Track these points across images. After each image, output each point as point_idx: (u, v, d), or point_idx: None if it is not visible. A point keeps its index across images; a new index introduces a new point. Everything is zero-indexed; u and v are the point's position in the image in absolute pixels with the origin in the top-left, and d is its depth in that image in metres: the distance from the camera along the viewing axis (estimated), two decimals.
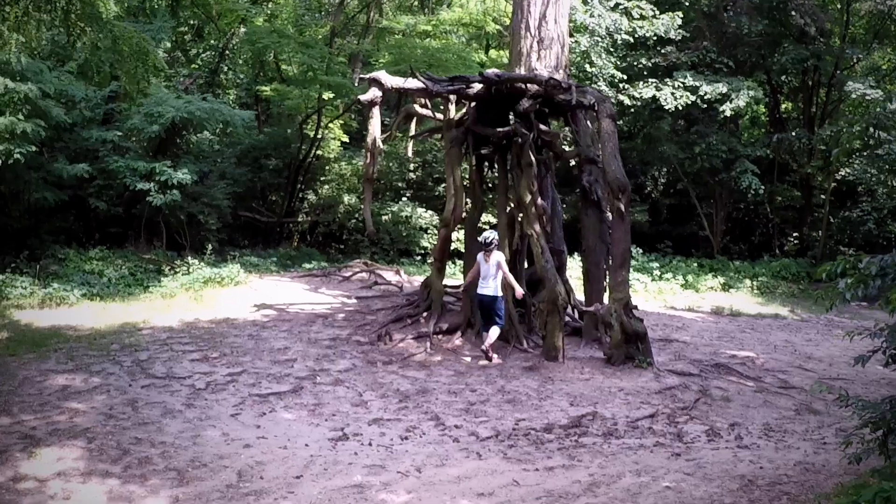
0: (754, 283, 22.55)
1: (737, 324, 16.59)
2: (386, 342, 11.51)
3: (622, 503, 6.31)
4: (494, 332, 11.09)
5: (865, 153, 22.79)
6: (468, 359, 11.16)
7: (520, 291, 11.20)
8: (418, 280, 17.57)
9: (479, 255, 11.26)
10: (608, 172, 10.87)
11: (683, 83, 22.05)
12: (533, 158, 11.32)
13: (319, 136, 22.98)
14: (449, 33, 23.75)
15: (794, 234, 27.80)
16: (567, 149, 14.89)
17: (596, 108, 11.07)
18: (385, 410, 8.81)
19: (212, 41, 24.57)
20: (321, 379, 9.78)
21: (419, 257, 22.56)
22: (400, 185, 23.97)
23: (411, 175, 23.91)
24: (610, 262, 12.28)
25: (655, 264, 23.12)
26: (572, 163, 15.69)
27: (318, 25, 24.01)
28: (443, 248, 12.48)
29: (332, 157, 24.63)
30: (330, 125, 23.44)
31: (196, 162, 18.35)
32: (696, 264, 23.82)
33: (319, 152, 23.93)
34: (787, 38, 24.32)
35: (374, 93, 10.99)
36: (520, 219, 11.89)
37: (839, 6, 25.00)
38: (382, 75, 11.18)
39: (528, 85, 11.42)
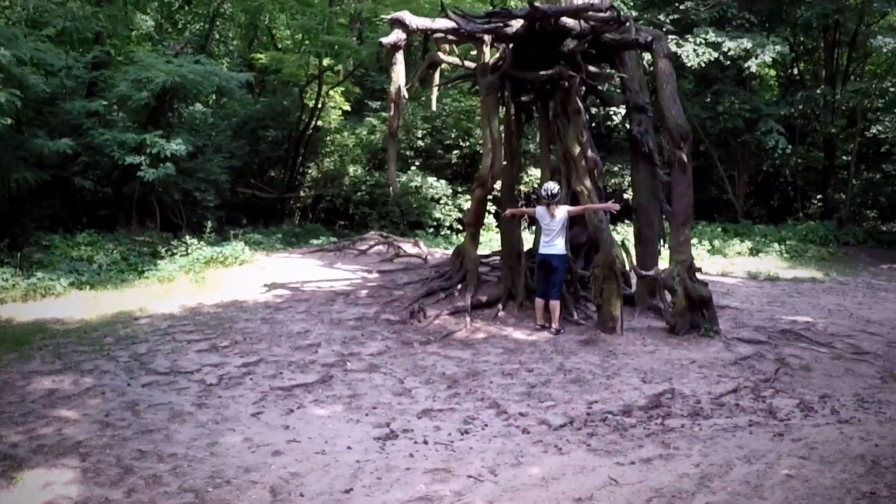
0: (783, 247, 21.55)
1: (780, 288, 15.87)
2: (420, 319, 10.18)
3: (746, 499, 5.14)
4: (557, 306, 9.99)
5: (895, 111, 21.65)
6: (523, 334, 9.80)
7: (612, 206, 10.03)
8: (439, 252, 16.29)
9: (540, 210, 9.99)
10: (668, 119, 9.50)
11: (706, 39, 20.71)
12: (581, 105, 9.90)
13: (320, 106, 21.48)
14: None
15: (819, 197, 26.56)
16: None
17: (653, 46, 9.65)
18: (434, 399, 7.45)
19: (199, 10, 22.91)
20: (352, 365, 8.42)
21: (431, 229, 21.40)
22: (408, 153, 22.68)
23: (420, 143, 22.59)
24: (664, 221, 11.08)
25: None
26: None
27: None
28: (478, 210, 11.12)
29: (334, 128, 23.26)
30: (331, 93, 21.96)
31: (190, 135, 16.85)
32: (720, 229, 22.83)
33: (320, 123, 22.50)
34: None
35: (397, 35, 9.55)
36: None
37: None
38: (406, 15, 9.72)
39: (577, 21, 9.97)
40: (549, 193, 9.83)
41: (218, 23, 22.81)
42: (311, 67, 20.37)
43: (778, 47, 20.87)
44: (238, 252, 13.71)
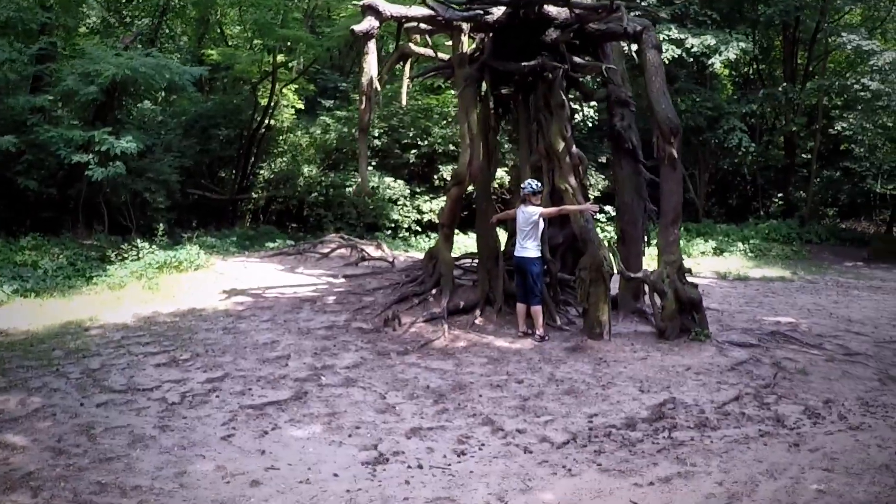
0: (747, 246, 21.48)
1: (754, 288, 15.88)
2: (395, 327, 9.51)
3: None
4: (538, 312, 9.42)
5: (860, 107, 21.60)
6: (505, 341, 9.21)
7: (590, 207, 9.42)
8: (403, 255, 15.64)
9: (520, 209, 9.41)
10: (658, 112, 9.00)
11: (668, 36, 20.39)
12: (565, 98, 9.33)
13: (273, 104, 20.62)
14: None
15: (780, 195, 26.49)
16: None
17: (641, 36, 9.12)
18: (422, 416, 6.80)
19: (147, 4, 21.83)
20: (327, 379, 7.72)
21: (389, 231, 20.72)
22: None
23: (376, 142, 21.85)
24: (643, 220, 10.62)
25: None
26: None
27: None
28: (453, 210, 10.43)
29: (286, 127, 22.43)
30: (284, 90, 21.12)
31: (139, 133, 15.88)
32: (683, 229, 22.47)
33: (272, 122, 21.64)
34: None
35: (369, 23, 8.86)
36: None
37: None
38: (379, 1, 9.03)
39: (561, 9, 9.39)
40: (531, 190, 9.27)
41: (167, 17, 21.75)
42: (264, 64, 19.49)
43: (742, 44, 20.65)
44: (193, 256, 12.86)
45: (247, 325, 9.62)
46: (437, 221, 21.56)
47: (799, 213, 24.39)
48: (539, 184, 9.48)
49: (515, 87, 10.14)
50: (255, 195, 21.63)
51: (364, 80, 9.26)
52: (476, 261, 12.34)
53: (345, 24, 18.31)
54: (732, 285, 15.97)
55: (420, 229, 21.55)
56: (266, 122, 20.93)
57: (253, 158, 21.44)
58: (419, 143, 22.23)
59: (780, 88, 23.06)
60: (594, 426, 6.59)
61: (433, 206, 21.58)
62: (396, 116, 22.27)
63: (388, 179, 21.25)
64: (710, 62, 20.57)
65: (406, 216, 21.39)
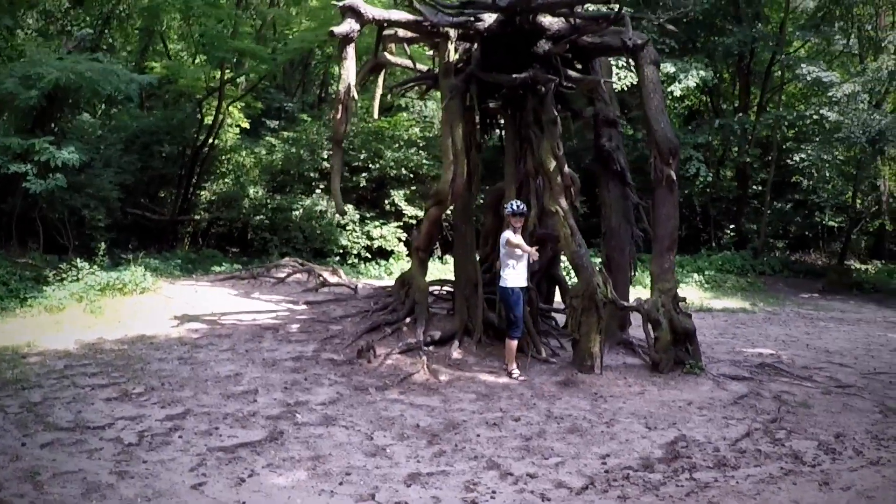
0: (702, 277, 21.24)
1: (721, 319, 15.77)
2: (369, 359, 8.67)
3: None
4: (512, 346, 8.70)
5: (817, 139, 21.67)
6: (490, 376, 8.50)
7: (529, 251, 8.67)
8: (362, 282, 14.83)
9: (507, 233, 8.72)
10: (657, 131, 8.48)
11: (625, 63, 20.11)
12: (557, 114, 8.73)
13: (220, 121, 19.64)
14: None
15: (731, 227, 26.46)
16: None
17: (641, 51, 8.58)
18: (418, 460, 6.01)
19: (87, 17, 20.63)
20: (303, 417, 6.87)
21: (337, 257, 19.85)
22: (312, 175, 21.06)
23: (325, 164, 20.98)
24: (631, 246, 10.07)
25: (597, 259, 21.20)
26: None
27: None
28: (431, 233, 9.73)
29: (230, 147, 21.45)
30: (230, 108, 20.15)
31: (80, 144, 14.73)
32: (637, 259, 22.10)
33: (218, 141, 20.64)
34: (727, 21, 22.97)
35: (349, 25, 8.14)
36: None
37: None
38: (360, 3, 8.31)
39: (557, 18, 8.80)
40: (514, 210, 8.62)
41: (110, 27, 20.58)
42: (210, 79, 18.52)
43: (702, 72, 20.53)
44: (138, 278, 11.81)
45: (205, 355, 8.70)
46: (387, 248, 20.98)
47: (752, 244, 24.33)
48: (522, 205, 8.79)
49: (503, 100, 9.48)
50: (196, 217, 20.51)
51: (341, 87, 8.53)
52: (444, 288, 11.68)
53: (299, 38, 17.58)
54: (699, 316, 15.52)
55: (370, 256, 20.77)
56: (211, 140, 19.91)
57: (196, 178, 20.35)
58: (370, 166, 21.48)
59: (735, 119, 23.04)
60: (609, 468, 5.96)
61: (384, 232, 20.90)
62: (346, 139, 21.45)
63: None
64: (669, 89, 20.33)
65: (355, 242, 20.60)
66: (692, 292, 19.55)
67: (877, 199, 24.16)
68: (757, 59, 23.96)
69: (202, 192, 20.98)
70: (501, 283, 8.67)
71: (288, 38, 20.25)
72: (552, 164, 8.75)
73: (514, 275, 8.66)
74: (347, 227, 20.46)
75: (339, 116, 8.61)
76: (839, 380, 9.39)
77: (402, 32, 9.66)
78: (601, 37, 8.98)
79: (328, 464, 5.79)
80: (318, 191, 20.77)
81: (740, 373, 9.33)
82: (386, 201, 21.69)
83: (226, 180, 20.81)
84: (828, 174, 23.41)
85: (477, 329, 9.58)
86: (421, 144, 22.48)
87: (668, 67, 20.27)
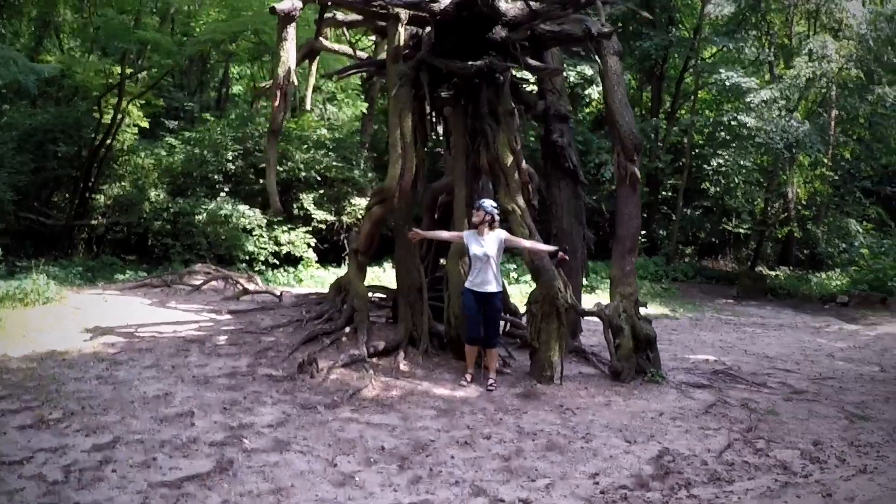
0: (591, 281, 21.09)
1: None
2: (312, 374, 7.82)
3: None
4: (495, 355, 8.19)
5: (734, 144, 21.94)
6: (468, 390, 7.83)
7: (563, 256, 8.06)
8: (282, 289, 13.89)
9: (468, 234, 8.02)
10: (621, 126, 8.00)
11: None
12: (514, 106, 8.12)
13: (119, 120, 18.25)
14: None
15: (643, 233, 26.56)
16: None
17: (604, 41, 8.07)
18: (393, 488, 5.27)
19: None
20: (252, 443, 5.99)
21: (244, 264, 18.72)
22: (216, 177, 19.91)
23: (230, 166, 19.88)
24: (583, 249, 9.58)
25: (511, 265, 20.89)
26: None
27: None
28: (372, 234, 8.93)
29: (127, 147, 20.06)
30: (129, 107, 18.78)
31: None
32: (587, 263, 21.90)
33: (115, 141, 19.22)
34: (642, 25, 23.04)
35: (292, 2, 7.35)
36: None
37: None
38: None
39: (511, 4, 8.20)
40: (486, 211, 7.93)
41: (2, 17, 18.83)
42: (109, 75, 17.15)
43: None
44: (42, 287, 10.58)
45: (126, 373, 7.67)
46: (296, 255, 19.99)
47: (664, 250, 24.47)
48: (490, 204, 8.10)
49: (455, 89, 8.79)
50: (94, 222, 19.01)
51: (280, 71, 7.71)
52: (376, 294, 10.94)
53: (211, 29, 16.49)
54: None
55: (278, 263, 19.75)
56: (109, 140, 18.49)
57: (93, 180, 18.87)
58: (278, 168, 20.40)
59: (652, 123, 23.12)
60: (604, 489, 5.44)
61: (292, 238, 19.94)
62: (252, 139, 20.45)
63: (243, 207, 19.34)
64: (586, 92, 20.18)
65: (262, 248, 19.51)
66: (608, 299, 19.42)
67: (785, 206, 24.67)
68: (670, 64, 24.15)
69: (99, 196, 19.51)
70: (494, 288, 7.94)
71: (194, 32, 19.02)
72: (509, 159, 8.15)
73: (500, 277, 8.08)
74: (254, 233, 19.40)
75: (276, 104, 7.79)
76: (792, 386, 9.26)
77: (340, 15, 8.87)
78: (560, 25, 8.43)
79: (293, 497, 5.00)
80: (222, 194, 19.63)
81: (699, 380, 9.05)
82: (294, 205, 20.73)
83: (123, 183, 19.39)
84: (737, 180, 23.76)
85: (423, 339, 8.89)
86: (330, 146, 21.66)
87: (587, 70, 20.12)
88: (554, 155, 9.37)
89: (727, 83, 20.52)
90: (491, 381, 8.06)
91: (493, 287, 7.94)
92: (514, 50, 8.34)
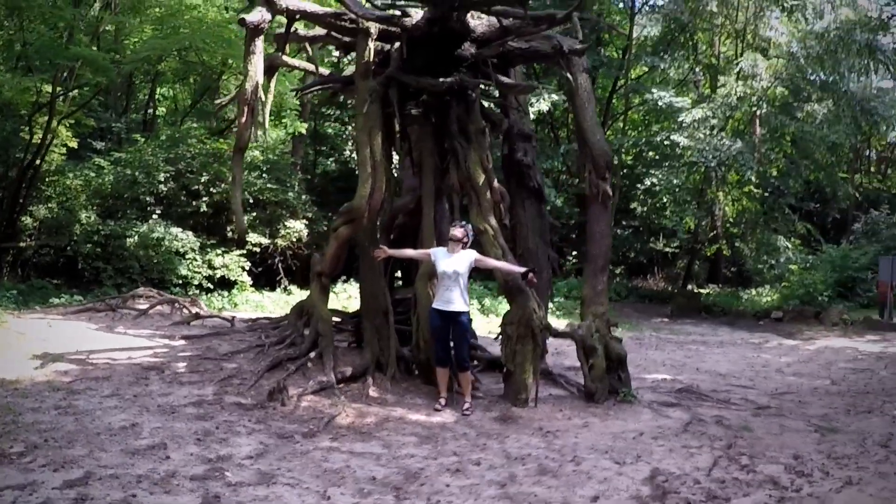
0: (552, 304, 21.19)
1: None
2: (283, 402, 7.51)
3: None
4: (468, 377, 8.04)
5: (666, 164, 22.36)
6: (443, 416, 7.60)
7: (532, 278, 7.92)
8: (229, 313, 13.46)
9: (437, 252, 7.88)
10: (593, 144, 8.00)
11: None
12: (485, 125, 8.02)
13: (49, 140, 17.46)
14: (225, 8, 19.27)
15: (573, 253, 26.84)
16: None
17: (575, 58, 8.05)
18: None
19: None
20: (234, 475, 5.67)
21: (177, 288, 18.14)
22: (148, 199, 19.29)
23: (161, 187, 19.28)
24: (548, 269, 9.52)
25: (480, 287, 20.91)
26: None
27: None
28: (338, 255, 8.65)
29: (54, 168, 19.26)
30: (60, 126, 18.00)
31: None
32: (483, 287, 21.90)
33: (41, 161, 18.38)
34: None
35: (260, 14, 7.11)
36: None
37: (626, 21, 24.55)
38: None
39: (479, 20, 8.10)
40: (471, 234, 7.83)
41: None
42: (39, 93, 16.38)
43: (555, 95, 20.65)
44: None
45: (86, 403, 7.20)
46: (230, 278, 19.49)
47: None
48: (465, 226, 7.99)
49: (424, 107, 8.63)
50: (22, 244, 18.12)
51: (248, 85, 7.44)
52: (334, 318, 10.64)
53: (150, 46, 15.94)
54: (569, 344, 15.48)
55: (212, 286, 19.21)
56: (38, 161, 17.68)
57: (21, 201, 18.00)
58: (211, 190, 19.96)
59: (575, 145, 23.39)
60: None
61: (226, 261, 19.46)
62: (184, 160, 19.92)
63: (176, 230, 18.79)
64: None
65: (196, 271, 18.99)
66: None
67: (713, 224, 25.27)
68: (598, 84, 24.50)
69: (25, 218, 18.65)
70: (461, 308, 7.84)
71: (123, 49, 18.40)
72: (481, 178, 8.05)
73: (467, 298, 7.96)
74: (187, 256, 18.86)
75: (243, 120, 7.48)
76: (754, 402, 9.35)
77: (302, 30, 8.63)
78: (528, 42, 8.38)
79: None
80: (154, 216, 19.03)
81: (668, 399, 9.10)
82: (228, 227, 20.25)
83: (51, 205, 18.58)
84: (665, 200, 24.24)
85: (391, 364, 8.66)
86: (264, 168, 21.28)
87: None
88: (518, 174, 9.32)
89: (659, 103, 20.92)
90: (466, 405, 7.92)
91: (459, 306, 7.87)
92: (485, 67, 8.25)
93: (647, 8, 25.68)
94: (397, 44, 8.34)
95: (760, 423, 8.10)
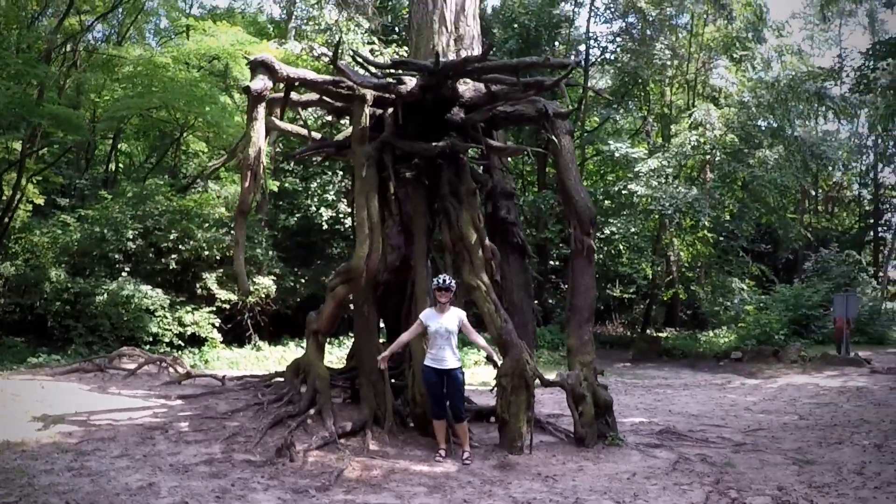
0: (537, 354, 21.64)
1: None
2: (292, 457, 7.75)
3: None
4: (466, 428, 8.40)
5: (624, 213, 23.08)
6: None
7: (493, 358, 8.41)
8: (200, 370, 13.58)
9: (425, 314, 8.21)
10: (577, 201, 8.49)
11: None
12: (475, 185, 8.48)
13: (18, 197, 17.52)
14: (196, 67, 19.65)
15: (535, 302, 27.35)
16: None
17: (558, 121, 8.58)
18: None
19: None
20: None
21: (147, 346, 18.17)
22: (116, 256, 19.42)
23: (130, 244, 19.40)
24: (533, 322, 9.95)
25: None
26: None
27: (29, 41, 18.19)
28: (335, 314, 8.96)
29: (19, 226, 19.27)
30: (28, 183, 18.07)
31: None
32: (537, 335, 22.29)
33: (7, 219, 18.40)
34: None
35: (263, 82, 7.49)
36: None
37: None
38: (273, 59, 7.70)
39: (467, 86, 8.60)
40: (443, 285, 8.17)
41: None
42: (9, 151, 16.50)
43: (509, 142, 21.27)
44: None
45: (98, 464, 7.35)
46: (201, 335, 19.56)
47: (557, 319, 25.21)
48: (448, 279, 8.35)
49: (417, 170, 9.07)
50: None
51: (251, 151, 7.76)
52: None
53: (123, 106, 16.17)
54: (541, 391, 15.86)
55: (182, 344, 19.29)
56: (6, 219, 17.69)
57: None
58: (180, 247, 20.12)
59: (542, 195, 24.03)
60: None
61: (196, 318, 19.58)
62: (151, 217, 20.06)
63: (145, 288, 18.90)
64: None
65: (166, 329, 19.13)
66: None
67: (668, 269, 26.03)
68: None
69: None
70: (454, 364, 8.20)
71: (100, 107, 18.62)
72: (473, 237, 8.48)
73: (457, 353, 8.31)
74: (157, 314, 18.96)
75: (246, 185, 7.81)
76: (730, 439, 9.74)
77: (295, 95, 9.02)
78: (513, 106, 8.91)
79: None
80: (123, 274, 19.10)
81: (651, 441, 9.47)
82: (198, 285, 20.40)
83: (18, 262, 18.55)
84: (621, 247, 24.94)
85: (388, 417, 8.95)
86: (232, 225, 21.48)
87: None
88: (503, 231, 9.77)
89: (616, 154, 21.68)
90: (466, 454, 8.25)
91: (452, 363, 8.24)
92: (474, 131, 8.74)
93: (600, 60, 26.64)
94: (390, 109, 8.79)
95: (741, 458, 8.55)
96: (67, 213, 20.10)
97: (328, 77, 8.26)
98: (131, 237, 19.52)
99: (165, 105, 17.79)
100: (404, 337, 8.59)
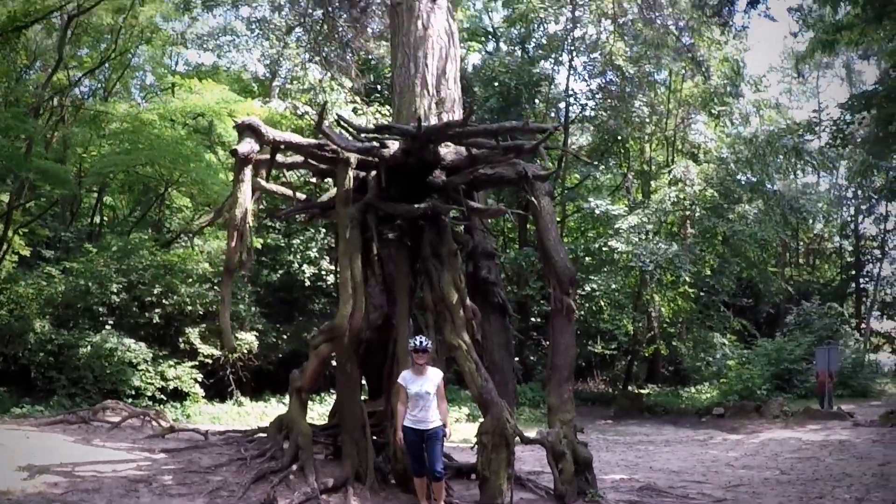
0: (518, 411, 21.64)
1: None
2: None
3: None
4: (443, 486, 8.40)
5: (604, 269, 23.34)
6: None
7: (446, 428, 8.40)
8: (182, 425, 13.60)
9: (404, 377, 8.32)
10: (557, 262, 8.71)
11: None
12: (456, 246, 8.72)
13: (5, 249, 17.62)
14: (182, 124, 19.98)
15: (516, 359, 27.41)
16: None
17: (537, 183, 8.87)
18: None
19: None
20: None
21: (129, 399, 18.12)
22: (100, 309, 19.44)
23: (114, 298, 19.45)
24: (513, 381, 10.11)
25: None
26: None
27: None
28: (318, 372, 9.15)
29: (4, 277, 19.33)
30: (16, 235, 18.20)
31: None
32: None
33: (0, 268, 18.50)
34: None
35: (250, 144, 7.75)
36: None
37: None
38: (259, 123, 7.98)
39: (448, 149, 8.90)
40: (419, 346, 8.26)
41: None
42: None
43: (490, 201, 21.57)
44: None
45: None
46: (183, 390, 19.54)
47: (538, 376, 25.24)
48: (424, 340, 8.46)
49: (400, 231, 9.30)
50: None
51: (238, 211, 7.98)
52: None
53: (111, 162, 16.39)
54: (521, 448, 15.87)
55: (165, 398, 19.25)
56: None
57: None
58: (163, 301, 20.20)
59: (523, 252, 24.26)
60: None
61: (178, 373, 19.59)
62: (135, 271, 20.16)
63: (129, 341, 18.94)
64: None
65: (149, 383, 19.09)
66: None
67: (650, 325, 26.22)
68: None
69: None
70: (435, 424, 8.22)
71: (86, 162, 18.87)
72: (454, 297, 8.67)
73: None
74: (139, 367, 18.94)
75: (233, 244, 8.02)
76: (711, 495, 9.83)
77: (280, 157, 9.28)
78: (493, 168, 9.18)
79: None
80: (107, 327, 19.13)
81: (631, 497, 9.59)
82: (181, 339, 20.45)
83: (2, 312, 18.56)
84: (603, 303, 25.15)
85: (370, 474, 9.04)
86: (214, 280, 21.60)
87: None
88: (484, 291, 9.97)
89: (596, 211, 21.99)
90: None
91: (433, 423, 8.28)
92: (455, 193, 9.00)
93: (580, 118, 27.16)
94: (374, 172, 9.06)
95: None
96: (52, 265, 20.19)
97: (313, 140, 8.53)
98: (115, 290, 19.55)
99: (151, 162, 18.02)
100: (400, 407, 8.64)
